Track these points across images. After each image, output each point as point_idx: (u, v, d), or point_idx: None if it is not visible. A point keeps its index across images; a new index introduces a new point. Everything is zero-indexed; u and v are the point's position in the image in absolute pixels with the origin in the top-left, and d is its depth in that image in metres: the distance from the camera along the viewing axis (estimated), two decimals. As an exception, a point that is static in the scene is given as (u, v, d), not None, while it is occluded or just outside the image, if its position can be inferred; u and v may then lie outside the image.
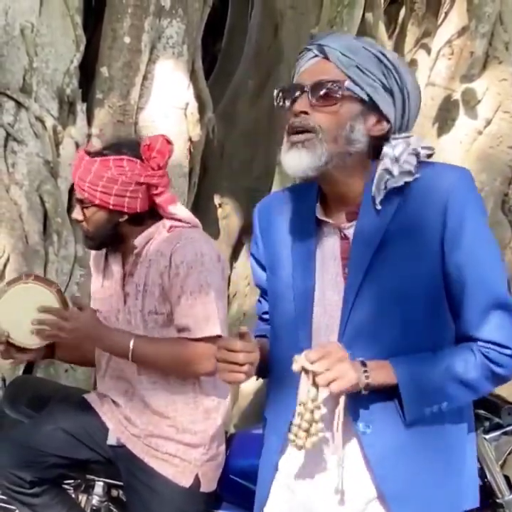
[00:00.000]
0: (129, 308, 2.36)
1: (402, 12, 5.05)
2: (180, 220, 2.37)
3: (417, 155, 1.60)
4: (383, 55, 1.60)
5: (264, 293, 1.84)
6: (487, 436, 2.28)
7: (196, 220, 2.43)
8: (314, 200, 1.68)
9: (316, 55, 1.61)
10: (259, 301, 1.90)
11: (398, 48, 5.12)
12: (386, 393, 1.58)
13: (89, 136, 3.67)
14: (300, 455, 1.65)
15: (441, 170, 1.63)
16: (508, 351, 1.58)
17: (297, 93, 1.59)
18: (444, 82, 4.51)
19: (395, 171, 1.59)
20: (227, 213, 4.11)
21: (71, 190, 3.64)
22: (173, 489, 2.29)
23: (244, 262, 4.54)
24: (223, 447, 2.38)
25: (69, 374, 3.39)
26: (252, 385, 3.65)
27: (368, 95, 1.58)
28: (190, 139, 3.89)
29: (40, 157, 3.48)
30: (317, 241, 1.67)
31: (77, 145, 3.61)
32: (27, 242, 3.43)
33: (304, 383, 1.53)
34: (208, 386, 2.35)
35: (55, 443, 2.37)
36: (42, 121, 3.48)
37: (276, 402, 1.73)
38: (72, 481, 2.52)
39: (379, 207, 1.60)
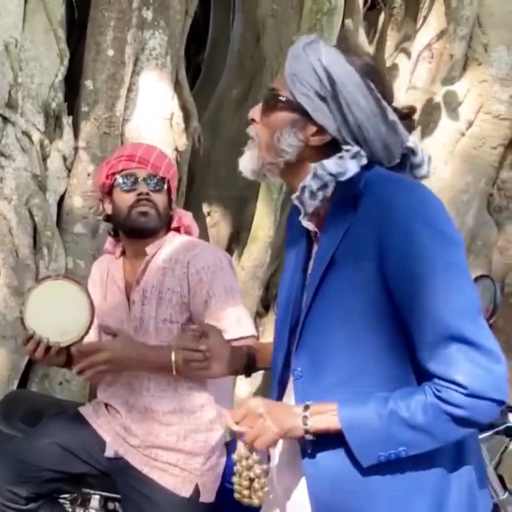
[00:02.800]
0: (136, 316, 2.36)
1: (382, 17, 5.09)
2: (189, 232, 2.45)
3: (333, 175, 1.53)
4: (319, 61, 1.54)
5: None
6: (480, 436, 2.30)
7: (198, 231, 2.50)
8: None
9: None
10: None
11: (379, 52, 5.16)
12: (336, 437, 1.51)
13: (76, 149, 3.68)
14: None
15: (387, 187, 1.52)
16: (462, 390, 1.40)
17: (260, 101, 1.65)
18: (425, 85, 4.56)
19: (313, 186, 1.56)
20: (216, 221, 4.13)
21: (60, 203, 3.66)
22: (173, 500, 2.28)
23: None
24: (224, 458, 2.38)
25: (63, 387, 3.40)
26: (248, 392, 3.66)
27: (301, 104, 1.56)
28: (176, 149, 3.91)
29: (27, 171, 3.50)
30: (311, 248, 1.67)
31: (65, 158, 3.63)
32: (17, 256, 3.43)
33: (238, 442, 1.58)
34: (215, 395, 2.35)
35: (50, 457, 2.37)
36: (29, 136, 3.49)
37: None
38: (68, 495, 2.50)
39: (304, 221, 1.59)
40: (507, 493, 2.33)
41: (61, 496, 2.49)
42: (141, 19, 3.80)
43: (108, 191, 2.42)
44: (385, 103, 1.57)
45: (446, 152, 4.41)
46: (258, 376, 3.94)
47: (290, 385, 1.63)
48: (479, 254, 4.55)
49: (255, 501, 1.56)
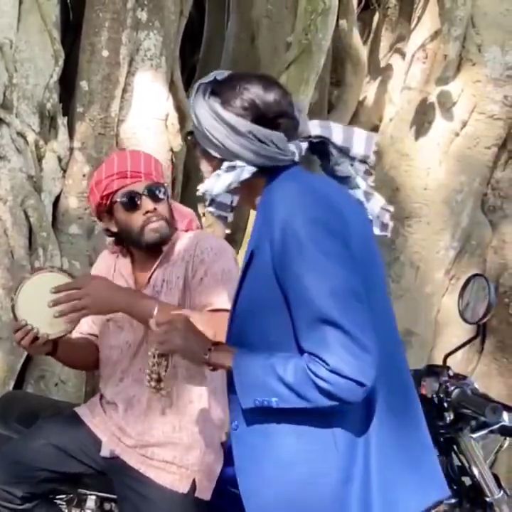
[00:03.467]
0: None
1: (376, 18, 5.11)
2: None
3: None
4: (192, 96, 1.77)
5: None
6: (474, 436, 2.32)
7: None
8: None
9: None
10: None
11: (373, 53, 5.18)
12: None
13: (71, 149, 3.68)
14: None
15: (274, 186, 1.71)
16: (326, 366, 1.56)
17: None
18: (419, 85, 4.56)
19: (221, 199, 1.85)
20: (211, 222, 4.12)
21: (55, 204, 3.66)
22: (170, 498, 2.28)
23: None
24: (221, 459, 2.37)
25: (59, 388, 3.40)
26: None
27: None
28: (171, 150, 3.92)
29: (23, 172, 3.50)
30: None
31: (60, 159, 3.63)
32: (13, 257, 3.44)
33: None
34: (213, 388, 2.36)
35: (45, 458, 2.36)
36: (24, 137, 3.50)
37: None
38: (63, 495, 2.49)
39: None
40: (502, 492, 2.34)
41: (57, 496, 2.48)
42: (135, 20, 3.81)
43: (107, 210, 2.40)
44: (232, 120, 1.70)
45: (441, 152, 4.42)
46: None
47: None
48: (473, 254, 4.56)
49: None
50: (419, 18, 4.70)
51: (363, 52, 4.86)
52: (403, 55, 4.87)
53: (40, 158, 3.57)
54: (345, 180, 1.81)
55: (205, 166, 1.80)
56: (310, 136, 1.76)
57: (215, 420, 2.38)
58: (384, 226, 1.92)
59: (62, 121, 3.66)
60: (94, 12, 3.74)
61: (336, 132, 1.77)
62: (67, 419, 2.46)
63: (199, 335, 1.80)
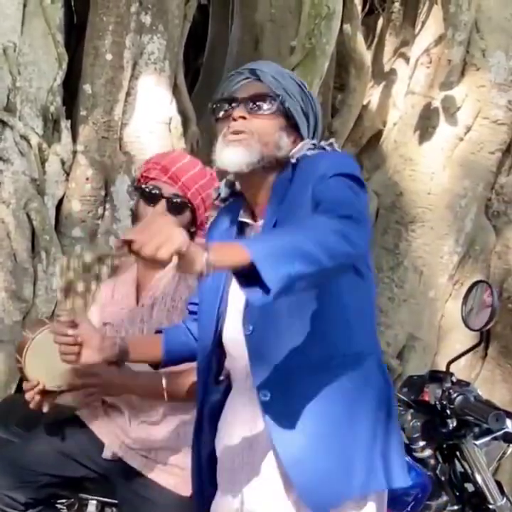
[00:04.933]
0: (143, 319, 2.36)
1: (380, 22, 5.10)
2: None
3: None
4: (302, 84, 1.87)
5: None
6: (477, 442, 2.31)
7: None
8: (240, 208, 1.91)
9: (248, 77, 1.85)
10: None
11: (377, 57, 5.17)
12: (285, 361, 1.72)
13: (74, 152, 3.68)
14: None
15: (315, 154, 1.82)
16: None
17: (235, 103, 1.83)
18: (423, 90, 4.56)
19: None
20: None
21: (58, 207, 3.66)
22: (172, 500, 2.28)
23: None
24: None
25: (61, 391, 3.39)
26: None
27: (292, 115, 1.84)
28: (174, 153, 3.91)
29: (26, 175, 3.49)
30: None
31: (63, 162, 3.63)
32: (15, 259, 3.43)
33: None
34: None
35: (47, 461, 2.36)
36: (27, 140, 3.49)
37: None
38: (64, 500, 2.49)
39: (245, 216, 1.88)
40: (505, 499, 2.33)
41: (58, 501, 2.48)
42: (139, 24, 3.81)
43: (137, 188, 2.43)
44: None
45: (445, 157, 4.42)
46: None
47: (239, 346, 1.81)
48: (477, 259, 4.55)
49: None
50: (424, 23, 4.70)
51: (367, 56, 4.84)
52: (407, 59, 4.87)
53: (43, 162, 3.56)
54: None
55: (266, 130, 1.82)
56: None
57: None
58: None
59: (65, 124, 3.66)
60: (98, 16, 3.74)
61: None
62: (68, 422, 2.46)
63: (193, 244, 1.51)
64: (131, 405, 2.38)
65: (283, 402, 1.73)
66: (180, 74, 4.09)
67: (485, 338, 2.58)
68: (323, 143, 1.86)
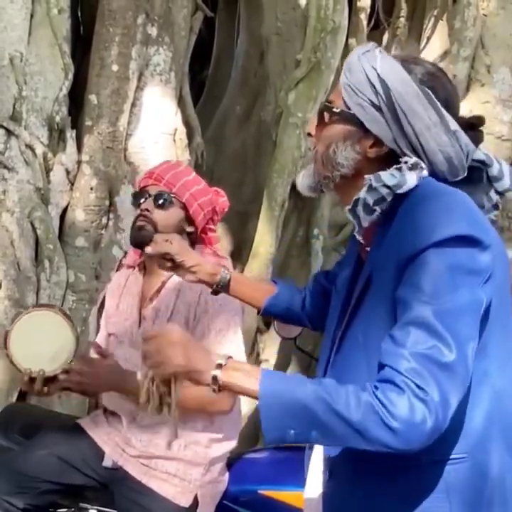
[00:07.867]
0: (144, 330, 2.36)
1: (386, 37, 5.11)
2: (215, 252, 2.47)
3: (389, 187, 1.44)
4: (374, 70, 1.47)
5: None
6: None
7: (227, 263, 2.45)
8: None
9: None
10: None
11: (382, 72, 5.17)
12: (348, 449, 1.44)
13: (79, 162, 3.69)
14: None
15: (426, 201, 1.41)
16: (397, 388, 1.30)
17: (314, 115, 1.60)
18: (428, 104, 4.57)
19: (368, 199, 1.47)
20: (219, 237, 4.14)
21: (62, 216, 3.66)
22: (172, 510, 2.27)
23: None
24: (225, 478, 2.36)
25: (63, 401, 3.38)
26: (247, 407, 3.65)
27: (355, 116, 1.50)
28: (179, 164, 3.92)
29: (30, 184, 3.50)
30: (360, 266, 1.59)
31: (68, 172, 3.63)
32: (19, 268, 3.43)
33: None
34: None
35: (47, 468, 2.36)
36: (32, 149, 3.50)
37: None
38: (64, 509, 2.48)
39: (359, 235, 1.52)
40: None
41: (57, 510, 2.47)
42: (145, 35, 3.83)
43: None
44: (445, 112, 1.47)
45: (449, 172, 4.42)
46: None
47: None
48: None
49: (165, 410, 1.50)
50: (429, 38, 4.72)
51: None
52: (412, 74, 4.87)
53: (48, 171, 3.57)
54: None
55: (321, 146, 1.56)
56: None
57: (221, 439, 2.37)
58: None
59: (70, 134, 3.67)
60: (105, 27, 3.76)
61: (493, 161, 1.54)
62: (69, 430, 2.46)
63: (202, 349, 1.45)
64: (131, 414, 2.37)
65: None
66: (186, 85, 4.11)
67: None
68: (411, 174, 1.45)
